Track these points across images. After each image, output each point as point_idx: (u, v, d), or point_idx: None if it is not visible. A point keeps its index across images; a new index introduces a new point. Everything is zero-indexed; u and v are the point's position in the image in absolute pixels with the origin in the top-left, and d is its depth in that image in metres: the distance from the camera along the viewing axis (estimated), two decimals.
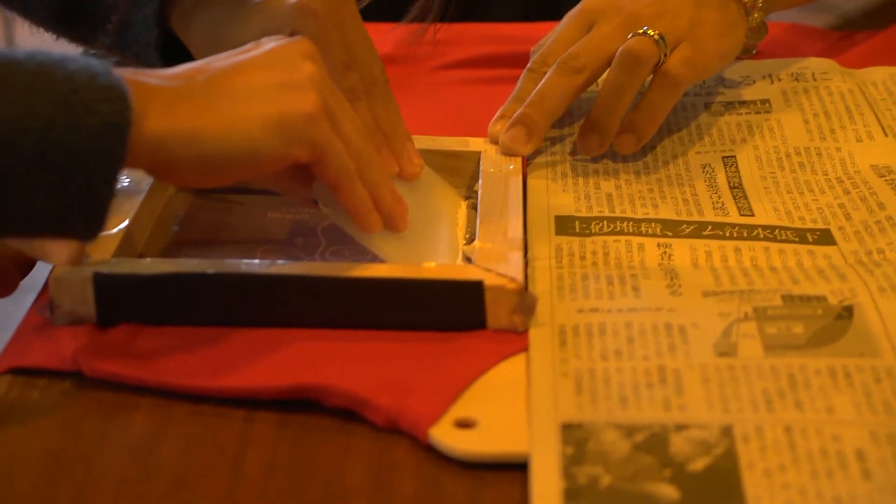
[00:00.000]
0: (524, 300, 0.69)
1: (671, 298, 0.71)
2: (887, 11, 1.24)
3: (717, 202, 0.82)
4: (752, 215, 0.80)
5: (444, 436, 0.62)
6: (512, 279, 0.69)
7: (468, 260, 0.73)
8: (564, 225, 0.79)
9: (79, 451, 0.63)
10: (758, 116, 0.92)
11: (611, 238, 0.77)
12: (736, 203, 0.82)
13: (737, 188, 0.84)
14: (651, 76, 0.86)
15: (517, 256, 0.72)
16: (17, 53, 0.60)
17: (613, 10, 0.88)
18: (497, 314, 0.69)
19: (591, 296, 0.71)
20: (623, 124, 0.86)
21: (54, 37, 0.89)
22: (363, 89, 0.77)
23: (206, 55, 0.70)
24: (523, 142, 0.84)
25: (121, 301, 0.69)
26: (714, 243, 0.77)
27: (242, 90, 0.66)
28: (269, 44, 0.69)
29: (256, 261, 0.70)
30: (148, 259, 0.72)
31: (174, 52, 0.82)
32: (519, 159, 0.84)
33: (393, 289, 0.69)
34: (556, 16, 0.94)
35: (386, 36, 1.01)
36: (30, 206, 0.60)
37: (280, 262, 0.70)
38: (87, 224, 0.62)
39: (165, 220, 0.79)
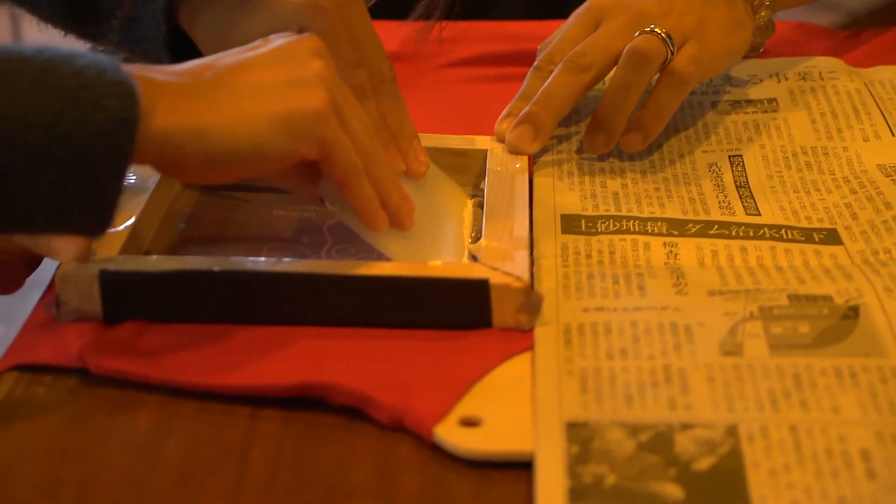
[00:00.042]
0: (530, 299, 0.69)
1: (677, 297, 0.71)
2: (895, 10, 1.23)
3: (724, 201, 0.82)
4: (759, 214, 0.80)
5: (449, 434, 0.62)
6: (518, 278, 0.69)
7: (474, 258, 0.73)
8: (570, 223, 0.79)
9: (84, 447, 0.63)
10: (765, 115, 0.92)
11: (617, 237, 0.77)
12: (742, 202, 0.82)
13: (743, 187, 0.84)
14: (658, 74, 0.86)
15: (523, 255, 0.72)
16: (25, 49, 0.61)
17: (620, 8, 0.88)
18: (503, 313, 0.69)
19: (597, 295, 0.71)
20: (630, 123, 0.86)
21: (62, 33, 0.89)
22: (371, 87, 0.77)
23: (214, 51, 0.70)
24: (530, 140, 0.84)
25: (127, 298, 0.69)
26: (720, 242, 0.77)
27: (250, 87, 0.66)
28: (278, 41, 0.70)
29: (262, 258, 0.71)
30: (154, 256, 0.72)
31: (182, 48, 0.82)
32: (525, 157, 0.84)
33: (398, 287, 0.69)
34: (563, 14, 0.94)
35: (392, 34, 1.01)
36: (37, 202, 0.60)
37: (286, 259, 0.70)
38: (95, 220, 0.62)
39: (172, 217, 0.79)
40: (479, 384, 0.65)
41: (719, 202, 0.82)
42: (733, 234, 0.78)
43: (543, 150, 0.87)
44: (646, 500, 0.57)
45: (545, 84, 0.85)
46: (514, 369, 0.66)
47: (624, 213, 0.80)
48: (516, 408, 0.63)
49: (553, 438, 0.61)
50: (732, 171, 0.86)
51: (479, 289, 0.69)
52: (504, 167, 0.82)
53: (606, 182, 0.84)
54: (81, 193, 0.60)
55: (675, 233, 0.78)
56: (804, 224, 0.79)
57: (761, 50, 0.98)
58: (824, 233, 0.78)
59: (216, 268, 0.69)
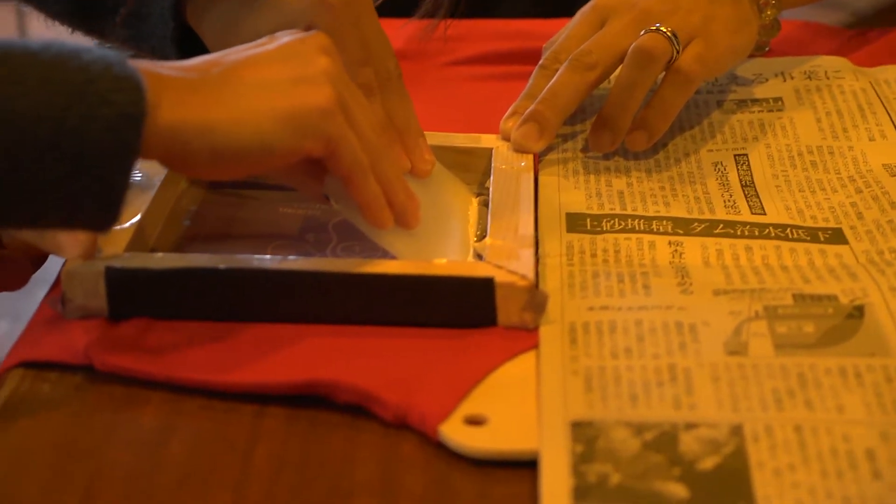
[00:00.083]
0: (535, 297, 0.69)
1: (682, 297, 0.71)
2: None
3: (729, 200, 0.82)
4: (764, 214, 0.80)
5: (454, 432, 0.62)
6: (523, 276, 0.69)
7: (479, 257, 0.73)
8: (575, 222, 0.79)
9: (89, 444, 0.63)
10: (770, 115, 0.92)
11: (622, 236, 0.77)
12: (747, 201, 0.82)
13: (748, 186, 0.83)
14: (663, 73, 0.86)
15: (528, 253, 0.72)
16: (32, 44, 0.61)
17: (626, 7, 0.88)
18: (507, 311, 0.69)
19: (602, 293, 0.71)
20: (635, 121, 0.86)
21: (69, 30, 0.89)
22: (377, 85, 0.77)
23: (221, 48, 0.70)
24: (535, 138, 0.84)
25: (132, 295, 0.69)
26: (725, 242, 0.77)
27: (256, 83, 0.66)
28: (285, 38, 0.70)
29: (268, 256, 0.71)
30: (160, 254, 0.72)
31: (189, 45, 0.82)
32: (531, 156, 0.84)
33: (403, 285, 0.69)
34: (568, 12, 0.94)
35: (397, 32, 1.01)
36: (45, 197, 0.60)
37: (291, 257, 0.71)
38: (102, 215, 0.62)
39: (177, 214, 0.79)
40: (483, 383, 0.65)
41: (724, 201, 0.82)
42: (738, 233, 0.78)
43: (549, 149, 0.87)
44: (650, 500, 0.57)
45: (550, 82, 0.85)
46: (519, 368, 0.66)
47: (629, 211, 0.80)
48: (521, 406, 0.63)
49: (558, 437, 0.61)
50: (738, 170, 0.86)
51: (484, 287, 0.69)
52: (509, 166, 0.82)
53: (612, 181, 0.84)
54: (89, 188, 0.61)
55: (681, 232, 0.78)
56: (809, 223, 0.79)
57: (767, 49, 0.98)
58: (829, 232, 0.78)
59: (221, 265, 0.69)
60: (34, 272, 0.75)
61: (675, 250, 0.76)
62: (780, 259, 0.75)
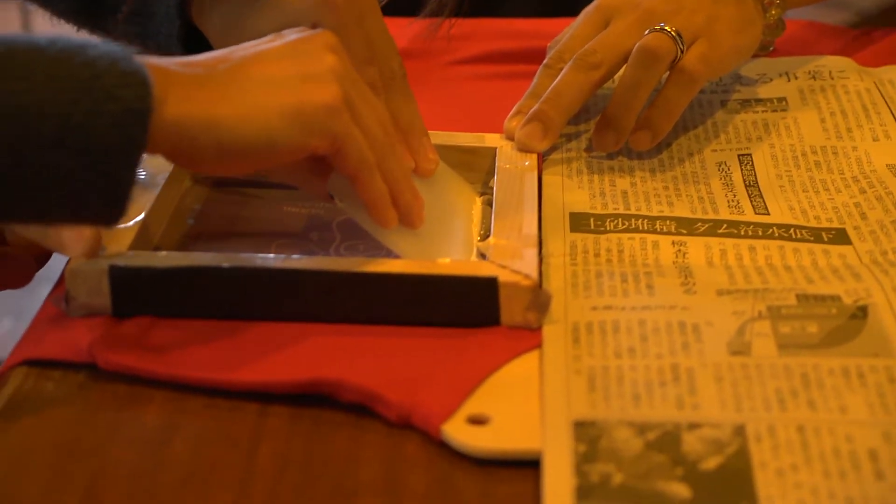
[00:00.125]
0: (538, 297, 0.69)
1: (685, 297, 0.71)
2: None
3: (733, 200, 0.82)
4: (768, 214, 0.80)
5: (457, 432, 0.62)
6: (526, 276, 0.69)
7: (483, 256, 0.73)
8: (579, 222, 0.79)
9: (92, 443, 0.63)
10: (774, 114, 0.92)
11: (625, 235, 0.77)
12: (751, 201, 0.82)
13: (752, 186, 0.83)
14: (667, 73, 0.86)
15: (532, 253, 0.72)
16: (38, 40, 0.61)
17: (630, 7, 0.88)
18: (511, 311, 0.69)
19: (605, 293, 0.71)
20: (639, 121, 0.86)
21: (75, 28, 0.89)
22: (381, 84, 0.77)
23: (225, 47, 0.70)
24: (539, 138, 0.84)
25: (136, 294, 0.69)
26: (729, 242, 0.77)
27: (262, 80, 0.66)
28: (292, 35, 0.70)
29: (271, 255, 0.71)
30: (163, 252, 0.72)
31: (195, 43, 0.82)
32: (534, 156, 0.84)
33: (407, 284, 0.69)
34: (572, 11, 0.94)
35: (402, 31, 1.01)
36: (51, 192, 0.60)
37: (295, 256, 0.71)
38: (109, 210, 0.62)
39: (181, 213, 0.79)
40: (486, 382, 0.65)
41: (728, 201, 0.82)
42: (742, 233, 0.78)
43: (552, 148, 0.87)
44: (653, 500, 0.57)
45: (555, 82, 0.85)
46: (522, 367, 0.66)
47: (633, 211, 0.80)
48: (524, 406, 0.64)
49: (561, 437, 0.61)
50: (741, 170, 0.86)
51: (488, 287, 0.69)
52: (513, 165, 0.82)
53: (615, 180, 0.84)
54: (95, 183, 0.61)
55: (684, 232, 0.78)
56: (813, 224, 0.79)
57: (771, 49, 0.98)
58: (833, 232, 0.78)
59: (225, 264, 0.69)
60: (38, 270, 0.75)
61: (679, 250, 0.76)
62: (784, 259, 0.75)
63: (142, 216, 0.73)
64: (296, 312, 0.69)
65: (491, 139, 0.85)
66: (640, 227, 0.78)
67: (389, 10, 0.87)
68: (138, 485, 0.60)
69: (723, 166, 0.86)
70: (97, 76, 0.60)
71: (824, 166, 0.86)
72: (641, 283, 0.72)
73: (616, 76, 0.87)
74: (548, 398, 0.63)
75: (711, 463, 0.59)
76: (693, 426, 0.61)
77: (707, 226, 0.78)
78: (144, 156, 0.61)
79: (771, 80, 0.97)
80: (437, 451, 0.62)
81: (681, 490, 0.58)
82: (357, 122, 0.68)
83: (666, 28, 0.85)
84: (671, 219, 0.79)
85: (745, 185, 0.84)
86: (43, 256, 0.74)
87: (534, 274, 0.70)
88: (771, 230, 0.78)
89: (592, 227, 0.78)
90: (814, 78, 0.97)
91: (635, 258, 0.75)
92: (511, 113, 0.86)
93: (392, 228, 0.71)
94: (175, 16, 0.82)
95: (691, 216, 0.80)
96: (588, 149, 0.87)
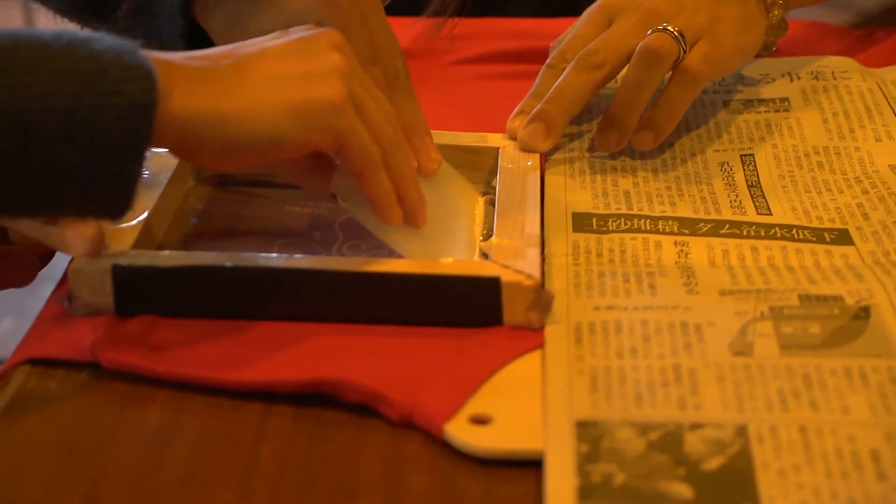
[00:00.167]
0: (541, 297, 0.69)
1: (687, 297, 0.71)
2: None
3: (735, 200, 0.82)
4: (770, 214, 0.80)
5: (459, 432, 0.62)
6: (529, 276, 0.69)
7: (485, 256, 0.73)
8: (582, 222, 0.79)
9: (94, 442, 0.63)
10: (777, 115, 0.92)
11: (628, 235, 0.77)
12: (754, 202, 0.82)
13: (755, 187, 0.83)
14: (670, 73, 0.86)
15: (534, 253, 0.72)
16: (44, 34, 0.61)
17: (632, 7, 0.88)
18: (513, 311, 0.69)
19: (608, 293, 0.71)
20: (641, 121, 0.86)
21: (78, 27, 0.89)
22: (384, 83, 0.77)
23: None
24: (542, 138, 0.84)
25: (139, 293, 0.69)
26: (731, 242, 0.77)
27: (266, 76, 0.66)
28: (298, 33, 0.70)
29: (274, 255, 0.71)
30: (166, 251, 0.72)
31: (198, 43, 0.82)
32: (537, 155, 0.84)
33: (410, 284, 0.69)
34: (575, 11, 0.94)
35: (404, 30, 1.01)
36: (57, 186, 0.61)
37: (297, 256, 0.71)
38: (115, 203, 0.62)
39: (184, 212, 0.79)
40: (489, 382, 0.65)
41: (731, 201, 0.82)
42: (744, 233, 0.78)
43: (555, 148, 0.87)
44: (655, 500, 0.57)
45: (557, 82, 0.85)
46: (525, 367, 0.67)
47: (635, 211, 0.80)
48: (526, 406, 0.64)
49: (563, 437, 0.61)
50: (744, 170, 0.86)
51: (491, 286, 0.69)
52: (516, 165, 0.82)
53: (618, 180, 0.84)
54: (101, 177, 0.61)
55: (687, 232, 0.78)
56: (815, 224, 0.79)
57: (774, 49, 0.98)
58: (835, 233, 0.78)
59: (228, 263, 0.69)
60: (41, 269, 0.75)
61: (681, 250, 0.76)
62: (786, 260, 0.75)
63: (145, 215, 0.74)
64: (298, 312, 0.69)
65: (493, 139, 0.85)
66: (643, 228, 0.78)
67: (393, 9, 0.87)
68: (139, 484, 0.60)
69: (725, 166, 0.86)
70: (102, 70, 0.60)
71: (827, 167, 0.86)
72: (644, 284, 0.72)
73: (619, 76, 0.87)
74: (550, 398, 0.63)
75: (713, 463, 0.59)
76: (695, 426, 0.61)
77: (709, 226, 0.78)
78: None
79: (773, 80, 0.97)
80: (440, 450, 0.62)
81: (683, 490, 0.58)
82: (364, 119, 0.68)
83: (669, 28, 0.85)
84: (673, 219, 0.79)
85: (748, 186, 0.84)
86: (46, 255, 0.75)
87: (536, 274, 0.70)
88: (773, 230, 0.78)
89: (595, 227, 0.78)
90: (816, 78, 0.97)
91: (638, 258, 0.75)
92: (514, 113, 0.86)
93: (395, 228, 0.71)
94: (178, 15, 0.82)
95: (694, 216, 0.80)
96: (591, 149, 0.87)
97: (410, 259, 0.71)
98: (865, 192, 0.82)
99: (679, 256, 0.75)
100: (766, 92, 0.95)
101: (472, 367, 0.66)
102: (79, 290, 0.69)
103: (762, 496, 0.57)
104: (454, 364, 0.66)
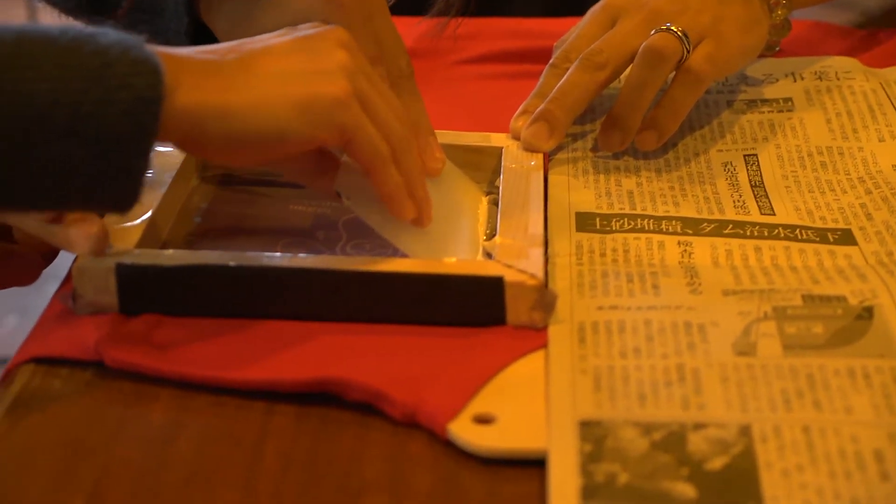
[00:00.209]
0: (544, 297, 0.69)
1: (691, 297, 0.71)
2: None
3: (738, 201, 0.82)
4: (773, 214, 0.80)
5: (463, 431, 0.62)
6: (532, 275, 0.69)
7: (489, 255, 0.73)
8: (585, 222, 0.79)
9: (98, 441, 0.63)
10: (780, 115, 0.92)
11: (631, 235, 0.77)
12: (757, 202, 0.82)
13: (758, 187, 0.84)
14: (673, 73, 0.86)
15: (538, 253, 0.72)
16: (49, 29, 0.61)
17: (636, 7, 0.88)
18: (517, 310, 0.69)
19: (611, 293, 0.71)
20: (645, 121, 0.86)
21: (84, 23, 0.89)
22: (389, 82, 0.77)
23: None
24: (545, 138, 0.84)
25: (143, 292, 0.69)
26: (734, 242, 0.77)
27: (272, 72, 0.66)
28: (304, 30, 0.70)
29: (278, 254, 0.71)
30: (170, 250, 0.73)
31: (203, 40, 0.83)
32: (540, 155, 0.84)
33: (413, 283, 0.69)
34: (579, 11, 0.94)
35: (408, 30, 1.01)
36: (64, 181, 0.61)
37: (301, 255, 0.71)
38: (121, 198, 0.62)
39: (188, 211, 0.79)
40: (492, 382, 0.65)
41: (734, 201, 0.82)
42: (748, 233, 0.78)
43: (559, 148, 0.87)
44: (658, 499, 0.57)
45: (561, 82, 0.86)
46: (528, 367, 0.67)
47: (638, 211, 0.80)
48: (530, 405, 0.64)
49: (566, 436, 0.61)
50: (747, 170, 0.86)
51: (494, 286, 0.69)
52: (519, 165, 0.82)
53: (621, 180, 0.84)
54: (107, 171, 0.61)
55: (690, 232, 0.78)
56: (819, 224, 0.79)
57: (777, 49, 0.98)
58: (839, 233, 0.78)
59: (232, 262, 0.69)
60: (45, 267, 0.75)
61: (685, 250, 0.76)
62: (790, 260, 0.75)
63: (149, 214, 0.74)
64: (302, 311, 0.69)
65: (497, 139, 0.85)
66: (646, 227, 0.78)
67: (397, 9, 0.87)
68: (143, 483, 0.60)
69: (728, 166, 0.86)
70: (108, 64, 0.60)
71: (830, 167, 0.86)
72: (647, 283, 0.72)
73: (622, 76, 0.87)
74: (553, 398, 0.64)
75: (717, 463, 0.59)
76: (698, 426, 0.61)
77: (713, 226, 0.78)
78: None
79: (777, 80, 0.97)
80: (443, 450, 0.62)
81: (686, 490, 0.58)
82: (371, 115, 0.68)
83: (672, 28, 0.85)
84: (677, 219, 0.79)
85: (751, 186, 0.84)
86: (50, 254, 0.75)
87: (539, 273, 0.70)
88: (777, 231, 0.78)
89: (598, 226, 0.78)
90: (820, 78, 0.97)
91: (641, 258, 0.75)
92: (517, 112, 0.86)
93: (399, 227, 0.71)
94: (183, 13, 0.82)
95: (697, 216, 0.80)
96: (594, 148, 0.88)
97: (414, 258, 0.71)
98: (869, 192, 0.82)
99: (682, 256, 0.75)
100: (769, 92, 0.95)
101: (476, 367, 0.66)
102: (83, 289, 0.69)
103: (765, 496, 0.57)
104: (458, 363, 0.66)
